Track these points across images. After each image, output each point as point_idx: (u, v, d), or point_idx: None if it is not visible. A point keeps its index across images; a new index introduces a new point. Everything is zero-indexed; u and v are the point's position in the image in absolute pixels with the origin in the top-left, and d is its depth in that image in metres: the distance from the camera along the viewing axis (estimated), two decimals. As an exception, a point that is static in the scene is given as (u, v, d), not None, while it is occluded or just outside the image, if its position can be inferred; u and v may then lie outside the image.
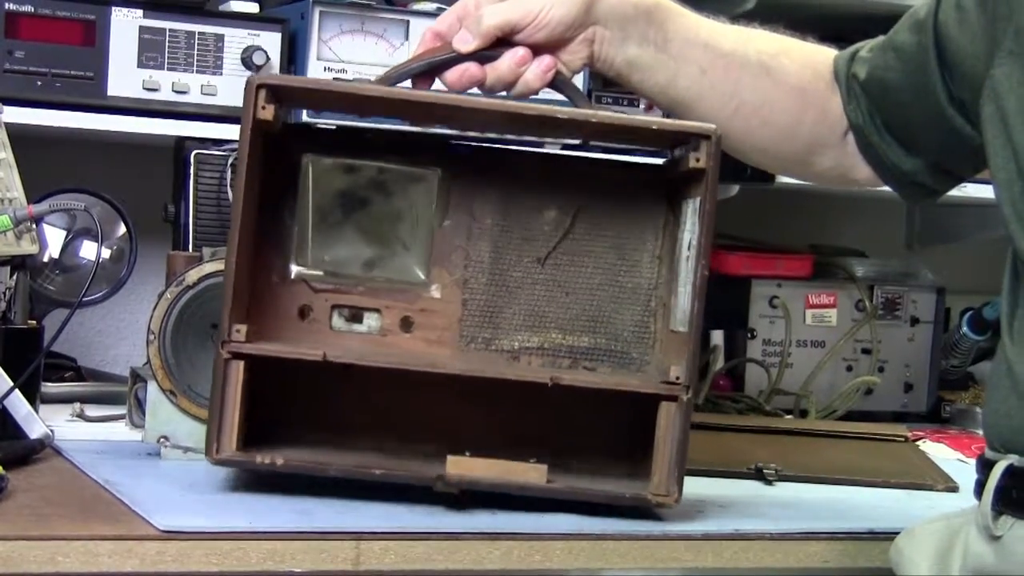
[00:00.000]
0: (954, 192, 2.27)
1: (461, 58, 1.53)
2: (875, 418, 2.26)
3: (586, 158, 1.71)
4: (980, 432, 2.16)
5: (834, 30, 2.40)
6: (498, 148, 1.69)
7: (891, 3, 2.30)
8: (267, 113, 1.47)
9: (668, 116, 1.65)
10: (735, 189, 2.17)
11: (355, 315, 1.61)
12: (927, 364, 2.33)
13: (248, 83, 1.47)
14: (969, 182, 1.64)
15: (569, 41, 1.53)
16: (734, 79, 1.58)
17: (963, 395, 2.31)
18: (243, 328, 1.48)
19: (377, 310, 1.61)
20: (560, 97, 1.58)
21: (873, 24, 2.40)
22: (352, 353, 1.52)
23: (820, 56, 1.64)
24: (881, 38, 1.60)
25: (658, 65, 1.56)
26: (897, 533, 1.47)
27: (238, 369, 1.48)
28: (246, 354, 1.48)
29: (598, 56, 1.55)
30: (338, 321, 1.61)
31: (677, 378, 1.49)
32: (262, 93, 1.47)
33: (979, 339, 2.31)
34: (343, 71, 1.99)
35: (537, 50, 1.52)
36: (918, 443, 2.10)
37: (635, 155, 1.96)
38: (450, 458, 1.48)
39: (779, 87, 1.59)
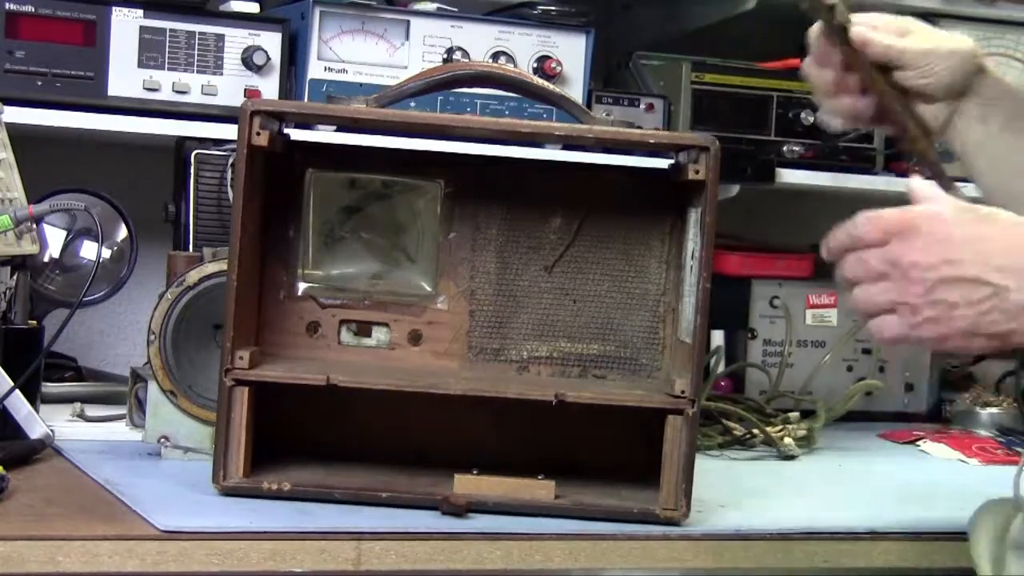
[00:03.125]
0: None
1: (466, 78, 1.54)
2: (876, 418, 2.26)
3: (590, 165, 1.71)
4: (981, 432, 2.18)
5: (834, 30, 2.40)
6: (501, 158, 1.70)
7: (891, 3, 2.29)
8: (262, 139, 1.47)
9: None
10: (735, 189, 2.17)
11: (363, 329, 1.62)
12: (928, 364, 2.33)
13: (242, 110, 1.48)
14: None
15: (934, 100, 1.52)
16: None
17: (964, 395, 2.31)
18: (246, 354, 1.48)
19: (385, 324, 1.62)
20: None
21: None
22: (357, 373, 1.52)
23: None
24: None
25: (1018, 149, 1.54)
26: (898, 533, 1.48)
27: (243, 396, 1.48)
28: (250, 380, 1.49)
29: (957, 128, 1.54)
30: (347, 336, 1.61)
31: (682, 392, 1.49)
32: (256, 120, 1.47)
33: (979, 339, 2.31)
34: (343, 71, 1.99)
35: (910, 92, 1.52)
36: (919, 443, 2.10)
37: (640, 155, 1.97)
38: (457, 477, 1.48)
39: None
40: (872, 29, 1.49)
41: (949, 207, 1.26)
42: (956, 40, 1.53)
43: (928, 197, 1.28)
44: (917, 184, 1.29)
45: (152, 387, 1.65)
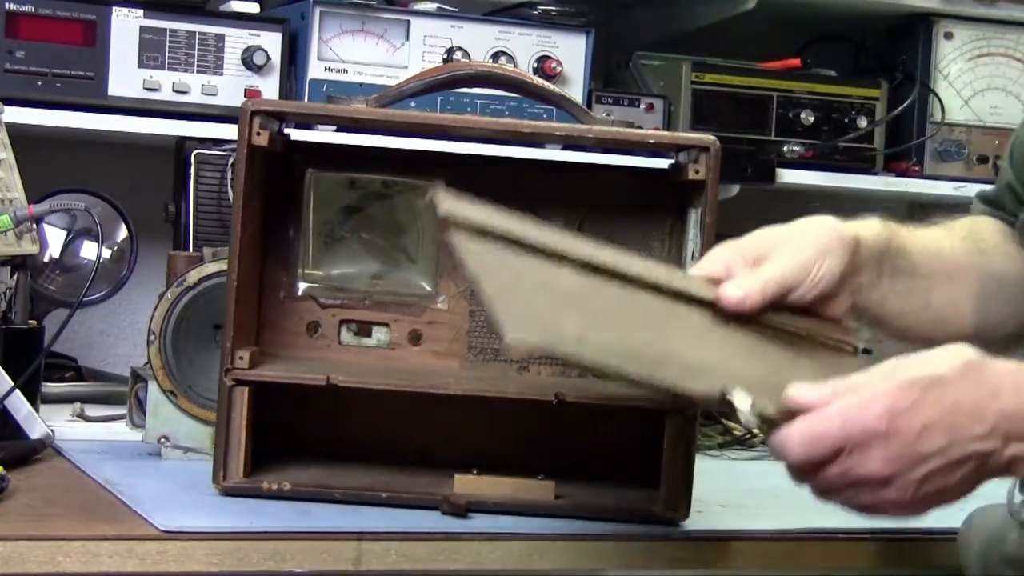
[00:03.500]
0: (954, 192, 2.28)
1: (466, 78, 1.54)
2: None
3: (590, 165, 1.71)
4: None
5: (834, 30, 2.41)
6: (501, 158, 1.70)
7: (891, 3, 2.30)
8: (262, 139, 1.47)
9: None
10: (735, 189, 2.17)
11: (364, 329, 1.62)
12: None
13: (242, 110, 1.48)
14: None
15: (835, 296, 1.36)
16: (970, 271, 1.46)
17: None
18: (246, 354, 1.48)
19: (386, 324, 1.61)
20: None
21: (873, 24, 2.41)
22: (357, 373, 1.52)
23: (980, 218, 1.55)
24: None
25: (912, 292, 1.42)
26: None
27: (243, 396, 1.48)
28: (250, 380, 1.49)
29: (858, 304, 1.38)
30: (347, 336, 1.61)
31: None
32: (256, 120, 1.47)
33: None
34: (343, 71, 1.99)
35: (800, 310, 1.36)
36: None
37: (640, 155, 1.97)
38: (457, 477, 1.49)
39: (1000, 260, 1.48)
40: (738, 289, 1.31)
41: (874, 396, 1.13)
42: (816, 224, 1.38)
43: (827, 397, 1.14)
44: (800, 396, 1.15)
45: (152, 387, 1.65)
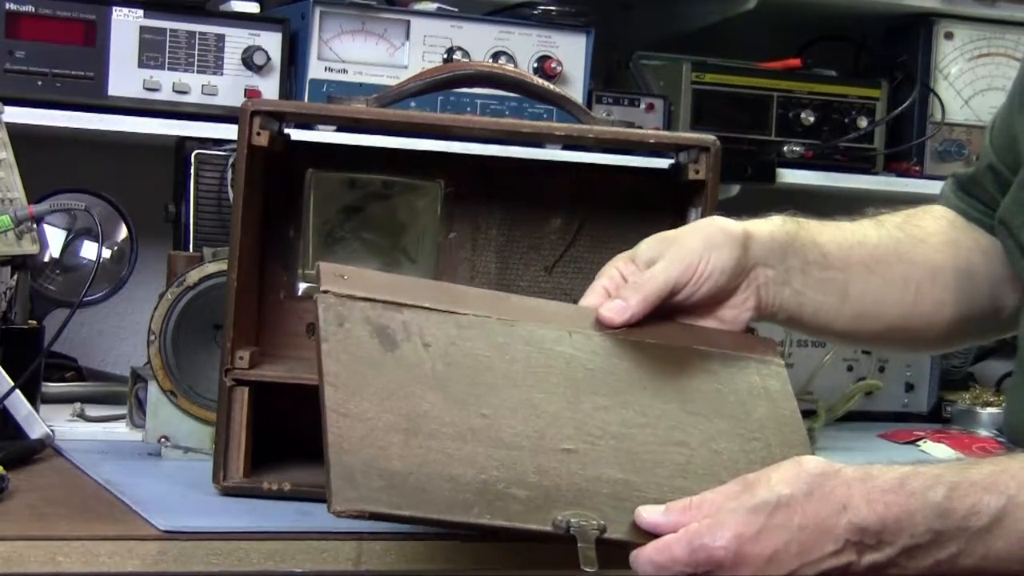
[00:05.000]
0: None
1: (466, 78, 1.54)
2: (876, 418, 2.26)
3: (590, 165, 1.71)
4: (981, 432, 2.18)
5: (834, 30, 2.41)
6: (501, 158, 1.70)
7: (891, 3, 2.30)
8: (262, 139, 1.47)
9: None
10: (735, 189, 2.17)
11: (364, 330, 1.61)
12: (928, 364, 2.33)
13: (242, 110, 1.48)
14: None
15: (733, 292, 1.37)
16: (897, 262, 1.45)
17: (964, 395, 2.31)
18: (246, 354, 1.48)
19: None
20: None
21: (873, 24, 2.41)
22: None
23: (933, 207, 1.55)
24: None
25: (827, 284, 1.41)
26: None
27: (242, 396, 1.48)
28: (250, 380, 1.49)
29: (765, 301, 1.38)
30: (347, 337, 1.61)
31: None
32: (256, 120, 1.47)
33: (980, 339, 2.31)
34: (343, 71, 1.99)
35: (701, 311, 1.37)
36: (919, 443, 2.10)
37: (640, 155, 1.97)
38: None
39: (937, 250, 1.48)
40: (611, 309, 1.32)
41: (721, 523, 1.13)
42: (703, 224, 1.38)
43: (673, 522, 1.14)
44: (649, 518, 1.15)
45: (152, 387, 1.65)
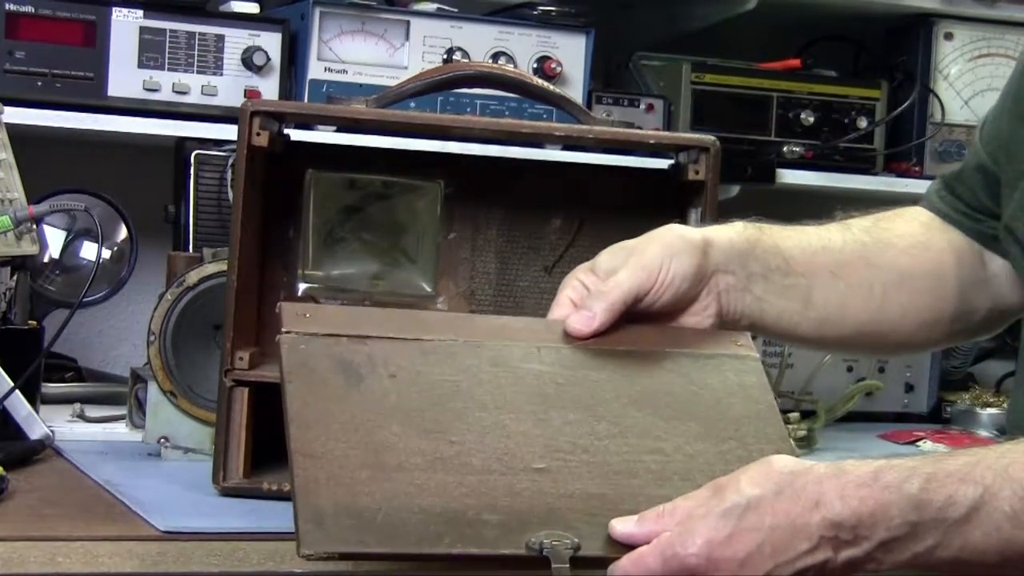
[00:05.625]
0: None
1: (466, 78, 1.54)
2: (877, 418, 2.26)
3: (590, 165, 1.71)
4: (981, 432, 2.18)
5: (834, 30, 2.41)
6: (501, 158, 1.70)
7: (891, 3, 2.30)
8: (262, 139, 1.47)
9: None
10: (735, 189, 2.17)
11: (364, 330, 1.61)
12: (928, 364, 2.33)
13: (242, 110, 1.48)
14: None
15: (694, 299, 1.36)
16: (863, 266, 1.44)
17: (964, 395, 2.31)
18: (246, 355, 1.48)
19: None
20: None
21: (873, 24, 2.41)
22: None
23: (910, 208, 1.54)
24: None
25: (789, 291, 1.41)
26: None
27: (242, 396, 1.48)
28: (250, 381, 1.48)
29: (727, 308, 1.38)
30: (347, 338, 1.61)
31: None
32: (256, 120, 1.47)
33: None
34: (343, 71, 1.99)
35: (663, 319, 1.36)
36: (919, 444, 2.10)
37: (640, 155, 1.97)
38: None
39: (905, 253, 1.47)
40: (579, 319, 1.31)
41: (692, 530, 1.12)
42: (662, 232, 1.37)
43: (647, 532, 1.14)
44: (623, 531, 1.15)
45: (152, 388, 1.65)
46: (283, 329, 1.24)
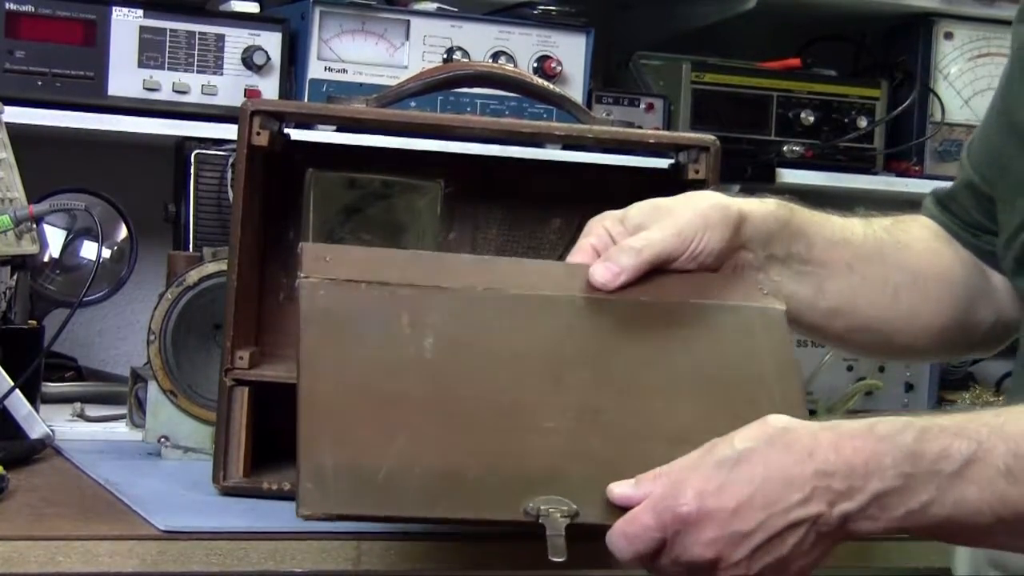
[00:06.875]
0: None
1: (466, 78, 1.54)
2: (876, 418, 2.26)
3: (590, 165, 1.71)
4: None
5: (834, 30, 2.41)
6: (501, 158, 1.70)
7: (891, 3, 2.30)
8: (262, 139, 1.47)
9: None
10: (735, 189, 2.17)
11: (364, 330, 1.61)
12: (928, 364, 2.33)
13: (242, 110, 1.48)
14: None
15: (714, 271, 1.34)
16: (880, 263, 1.43)
17: (964, 395, 2.31)
18: (246, 354, 1.48)
19: None
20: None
21: (873, 24, 2.41)
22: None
23: (919, 216, 1.53)
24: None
25: (804, 276, 1.39)
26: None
27: (242, 396, 1.48)
28: (250, 380, 1.49)
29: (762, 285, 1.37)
30: (347, 337, 1.61)
31: None
32: (256, 120, 1.47)
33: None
34: (343, 71, 1.99)
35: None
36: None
37: (640, 155, 1.97)
38: None
39: (921, 256, 1.46)
40: (606, 271, 1.29)
41: (683, 481, 1.12)
42: (702, 197, 1.35)
43: (644, 491, 1.13)
44: (620, 493, 1.15)
45: (152, 387, 1.65)
46: (302, 274, 1.22)
